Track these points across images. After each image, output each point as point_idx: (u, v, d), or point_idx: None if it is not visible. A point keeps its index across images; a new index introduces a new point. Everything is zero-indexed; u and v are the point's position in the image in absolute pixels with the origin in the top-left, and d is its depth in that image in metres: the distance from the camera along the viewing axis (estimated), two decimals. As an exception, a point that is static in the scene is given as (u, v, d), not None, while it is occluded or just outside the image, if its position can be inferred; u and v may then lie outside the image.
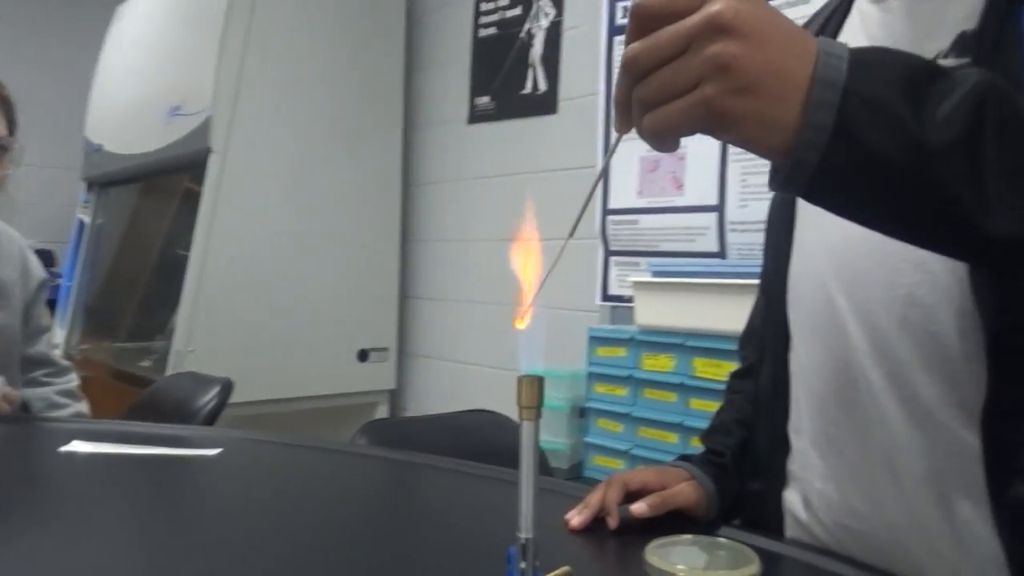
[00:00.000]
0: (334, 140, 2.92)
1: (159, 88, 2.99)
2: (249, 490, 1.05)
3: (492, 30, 2.90)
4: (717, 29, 0.49)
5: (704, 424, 1.76)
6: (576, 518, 0.82)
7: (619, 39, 2.33)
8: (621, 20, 2.35)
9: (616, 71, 2.10)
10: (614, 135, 0.56)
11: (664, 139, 0.53)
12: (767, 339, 0.87)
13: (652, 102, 0.51)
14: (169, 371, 2.47)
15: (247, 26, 2.70)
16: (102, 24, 3.51)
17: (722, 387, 1.74)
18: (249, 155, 2.70)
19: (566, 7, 2.63)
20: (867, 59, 0.51)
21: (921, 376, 0.68)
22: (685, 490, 0.84)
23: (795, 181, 0.52)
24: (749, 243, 2.03)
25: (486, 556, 0.80)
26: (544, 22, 2.70)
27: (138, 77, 3.18)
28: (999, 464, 0.64)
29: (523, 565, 0.59)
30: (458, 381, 2.97)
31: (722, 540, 0.78)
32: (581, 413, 2.14)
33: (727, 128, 0.51)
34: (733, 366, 1.79)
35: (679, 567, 0.71)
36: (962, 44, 0.67)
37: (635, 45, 0.52)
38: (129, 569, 0.72)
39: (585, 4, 2.55)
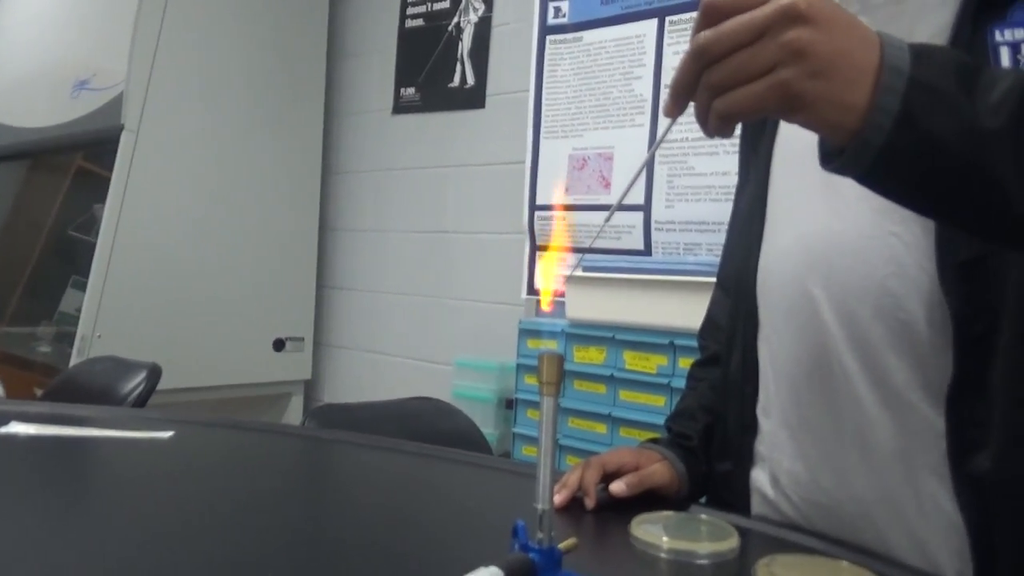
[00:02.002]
0: (253, 123, 2.84)
1: (63, 60, 2.84)
2: (204, 472, 1.02)
3: (419, 22, 2.89)
4: (793, 17, 0.53)
5: (633, 415, 1.85)
6: (555, 497, 0.84)
7: (552, 38, 2.37)
8: (553, 20, 2.39)
9: (548, 69, 2.12)
10: (663, 121, 0.59)
11: (731, 122, 0.56)
12: (736, 329, 0.91)
13: (725, 86, 0.55)
14: (75, 357, 2.36)
15: (164, 1, 2.60)
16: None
17: (650, 379, 1.83)
18: (163, 134, 2.60)
19: (496, 4, 2.65)
20: (923, 50, 0.57)
21: (892, 360, 0.73)
22: (660, 470, 0.88)
23: (857, 161, 0.57)
24: (674, 242, 2.10)
25: (446, 534, 0.82)
26: (473, 17, 2.71)
27: (38, 47, 3.01)
28: (960, 441, 0.70)
29: (540, 535, 0.61)
30: (374, 372, 2.95)
31: (702, 516, 0.83)
32: (509, 404, 2.17)
33: (799, 109, 0.55)
34: (661, 359, 1.88)
35: (665, 539, 0.75)
36: None
37: (707, 32, 0.55)
38: (83, 552, 0.69)
39: (516, 2, 2.58)
